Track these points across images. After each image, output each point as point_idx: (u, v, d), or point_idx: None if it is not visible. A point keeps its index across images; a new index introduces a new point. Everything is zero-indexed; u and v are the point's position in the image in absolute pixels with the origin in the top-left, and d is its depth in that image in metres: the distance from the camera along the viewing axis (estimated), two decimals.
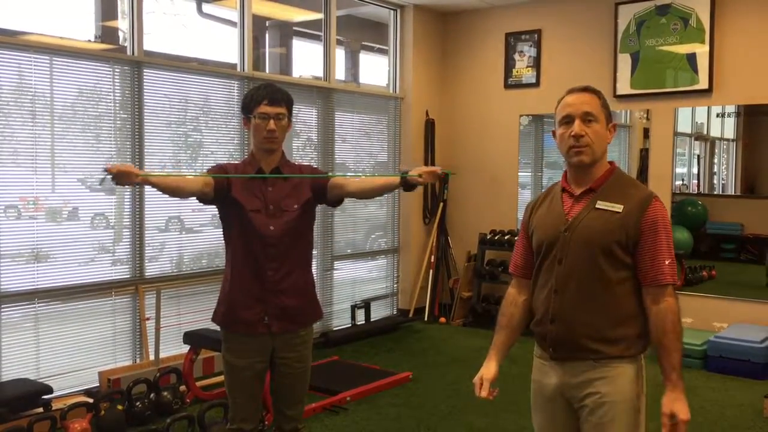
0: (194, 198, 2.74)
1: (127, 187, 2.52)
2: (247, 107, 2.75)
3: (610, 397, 2.11)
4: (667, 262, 2.06)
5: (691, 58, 5.86)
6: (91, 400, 4.02)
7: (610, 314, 2.11)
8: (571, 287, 2.14)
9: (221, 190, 2.71)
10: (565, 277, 2.15)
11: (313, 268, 2.98)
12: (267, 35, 6.63)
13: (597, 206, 2.14)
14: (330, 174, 2.83)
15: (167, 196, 2.72)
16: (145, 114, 4.82)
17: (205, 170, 2.90)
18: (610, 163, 2.23)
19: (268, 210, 2.72)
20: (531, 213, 2.33)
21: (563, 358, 2.17)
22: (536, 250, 2.26)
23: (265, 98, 2.70)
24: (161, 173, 3.08)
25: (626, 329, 2.11)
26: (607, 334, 2.11)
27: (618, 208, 2.11)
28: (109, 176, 2.39)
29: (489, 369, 2.30)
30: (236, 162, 3.06)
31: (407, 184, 2.59)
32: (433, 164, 7.00)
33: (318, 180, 2.82)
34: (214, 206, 2.83)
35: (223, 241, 2.84)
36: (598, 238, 2.10)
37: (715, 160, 6.60)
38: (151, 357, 4.77)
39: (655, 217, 2.09)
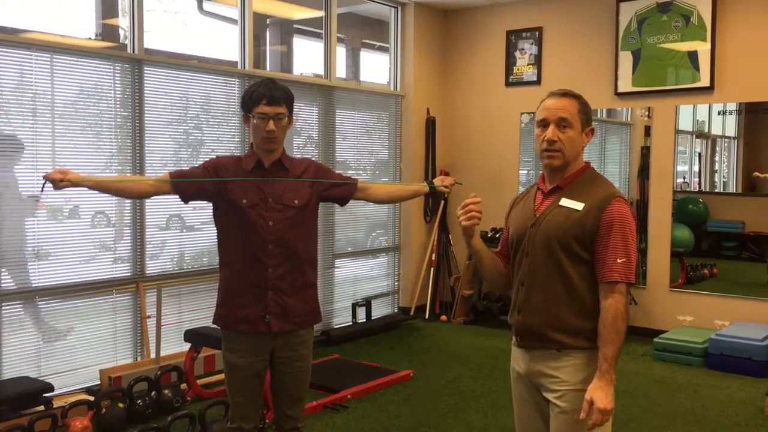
0: (157, 196, 2.83)
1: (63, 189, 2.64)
2: (246, 106, 2.71)
3: (572, 386, 2.18)
4: (619, 261, 2.12)
5: (693, 55, 5.85)
6: (92, 398, 4.02)
7: (570, 307, 2.18)
8: (535, 280, 2.24)
9: (209, 191, 2.71)
10: (530, 271, 2.25)
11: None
12: (268, 33, 6.61)
13: (560, 203, 2.23)
14: (359, 186, 2.96)
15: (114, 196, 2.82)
16: (146, 112, 4.81)
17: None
18: (586, 163, 2.30)
19: (268, 204, 2.69)
20: (511, 208, 2.46)
21: (528, 346, 2.27)
22: (510, 245, 2.38)
23: (264, 97, 2.65)
24: (98, 178, 3.11)
25: (587, 322, 2.17)
26: (568, 325, 2.18)
27: (579, 206, 2.19)
28: (49, 183, 2.54)
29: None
30: (238, 155, 3.04)
31: (433, 192, 3.11)
32: (434, 163, 7.08)
33: (338, 182, 2.87)
34: (205, 202, 2.82)
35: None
36: (558, 233, 2.19)
37: (717, 158, 6.59)
38: (152, 355, 4.77)
39: (612, 217, 2.14)
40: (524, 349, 2.29)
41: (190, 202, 2.80)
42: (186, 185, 2.72)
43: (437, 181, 3.09)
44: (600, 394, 2.06)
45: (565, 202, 2.22)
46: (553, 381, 2.21)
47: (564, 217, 2.19)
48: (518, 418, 2.38)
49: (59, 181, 2.54)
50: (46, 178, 2.55)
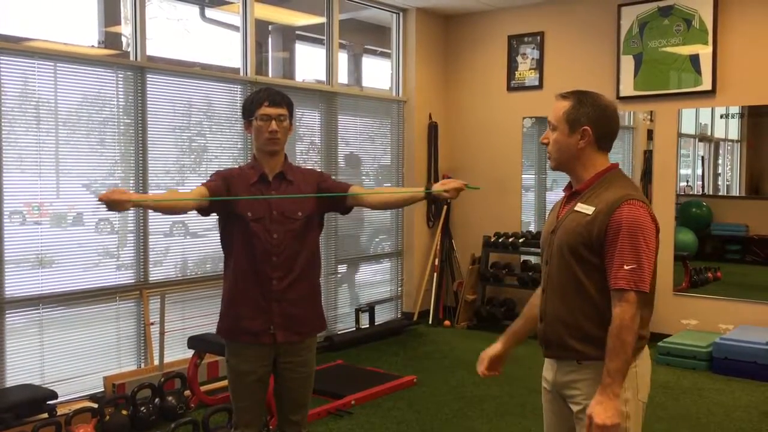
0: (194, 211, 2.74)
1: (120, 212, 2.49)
2: (249, 110, 2.75)
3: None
4: (626, 267, 2.01)
5: (695, 59, 5.85)
6: (95, 405, 4.02)
7: (587, 315, 2.12)
8: (553, 288, 2.20)
9: (220, 203, 2.68)
10: (549, 278, 2.21)
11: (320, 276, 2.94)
12: (270, 39, 6.63)
13: (576, 208, 2.17)
14: (349, 193, 2.81)
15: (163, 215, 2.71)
16: (149, 119, 4.83)
17: (208, 176, 2.89)
18: (612, 164, 2.22)
19: (272, 216, 2.70)
20: (549, 214, 2.42)
21: (552, 356, 2.23)
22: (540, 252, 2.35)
23: (266, 100, 2.71)
24: (155, 196, 3.01)
25: (605, 331, 2.06)
26: (586, 334, 2.11)
27: (589, 210, 2.12)
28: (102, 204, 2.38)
29: (493, 347, 2.43)
30: (240, 165, 3.05)
31: (432, 198, 2.66)
32: (436, 168, 7.05)
33: (333, 190, 2.82)
34: (215, 214, 2.80)
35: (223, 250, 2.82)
36: (568, 239, 2.14)
37: (720, 161, 6.58)
38: (156, 362, 4.77)
39: (620, 221, 2.04)
40: (552, 359, 2.24)
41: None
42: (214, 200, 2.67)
43: (438, 186, 2.70)
44: (599, 409, 1.97)
45: (579, 206, 2.15)
46: (575, 394, 2.14)
47: (576, 223, 2.12)
48: (546, 429, 2.33)
49: (127, 203, 2.39)
50: (102, 199, 2.37)
